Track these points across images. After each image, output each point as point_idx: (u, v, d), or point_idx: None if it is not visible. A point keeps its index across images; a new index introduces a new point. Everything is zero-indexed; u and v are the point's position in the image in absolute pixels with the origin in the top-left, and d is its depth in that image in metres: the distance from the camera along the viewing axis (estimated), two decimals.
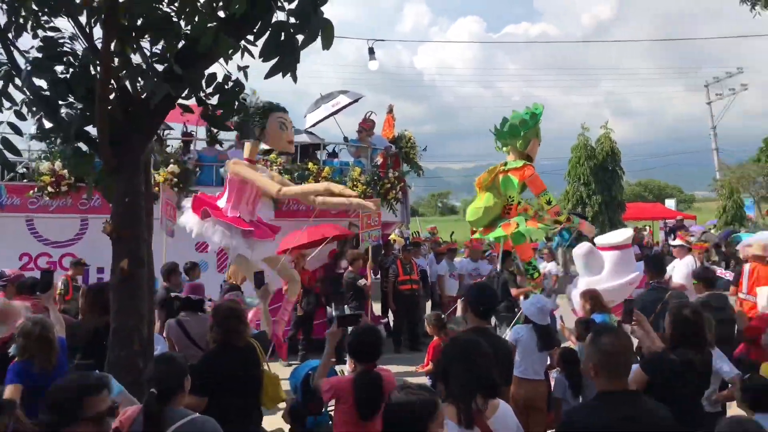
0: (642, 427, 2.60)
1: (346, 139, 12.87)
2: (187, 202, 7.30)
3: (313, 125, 13.27)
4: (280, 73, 3.24)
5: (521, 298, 8.19)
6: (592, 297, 6.01)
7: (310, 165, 11.03)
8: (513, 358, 4.41)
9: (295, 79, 3.30)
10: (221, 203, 6.93)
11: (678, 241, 10.00)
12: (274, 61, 3.25)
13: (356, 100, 13.49)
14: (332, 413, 4.15)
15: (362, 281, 9.88)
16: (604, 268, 7.66)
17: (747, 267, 7.74)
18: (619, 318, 4.30)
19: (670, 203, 35.01)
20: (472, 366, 2.78)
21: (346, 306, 9.74)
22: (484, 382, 2.77)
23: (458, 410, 2.69)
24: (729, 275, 9.12)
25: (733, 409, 4.23)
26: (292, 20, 3.21)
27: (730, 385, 4.34)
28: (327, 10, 3.20)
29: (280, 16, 3.29)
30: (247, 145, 7.10)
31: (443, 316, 6.39)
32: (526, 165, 7.81)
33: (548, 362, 5.66)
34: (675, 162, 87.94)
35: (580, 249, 7.87)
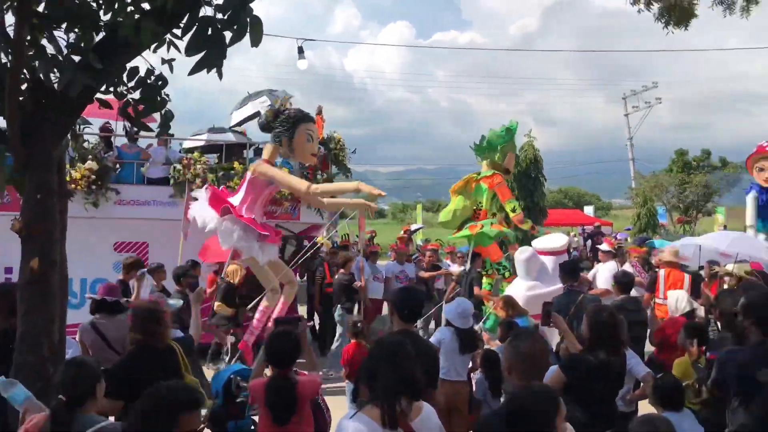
0: None
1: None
2: (199, 194, 7.03)
3: (239, 123, 13.04)
4: (205, 69, 3.16)
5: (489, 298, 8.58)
6: (508, 303, 6.23)
7: (236, 164, 10.83)
8: (438, 361, 4.46)
9: (220, 75, 3.23)
10: (234, 201, 6.70)
11: (605, 246, 10.39)
12: (199, 57, 3.17)
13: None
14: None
15: (357, 283, 9.89)
16: (545, 272, 7.96)
17: (662, 273, 8.15)
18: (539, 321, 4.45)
19: (589, 210, 36.38)
20: (397, 368, 2.78)
21: (339, 306, 9.82)
22: (408, 384, 2.77)
23: (382, 412, 2.68)
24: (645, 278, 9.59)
25: (646, 408, 4.42)
26: (220, 16, 3.15)
27: (642, 384, 4.53)
28: (256, 7, 3.15)
29: (208, 11, 3.22)
30: (269, 146, 6.95)
31: (360, 321, 6.37)
32: (495, 174, 8.48)
33: (470, 365, 5.77)
34: (594, 170, 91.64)
35: (523, 254, 8.04)
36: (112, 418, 3.55)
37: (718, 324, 5.56)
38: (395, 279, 10.93)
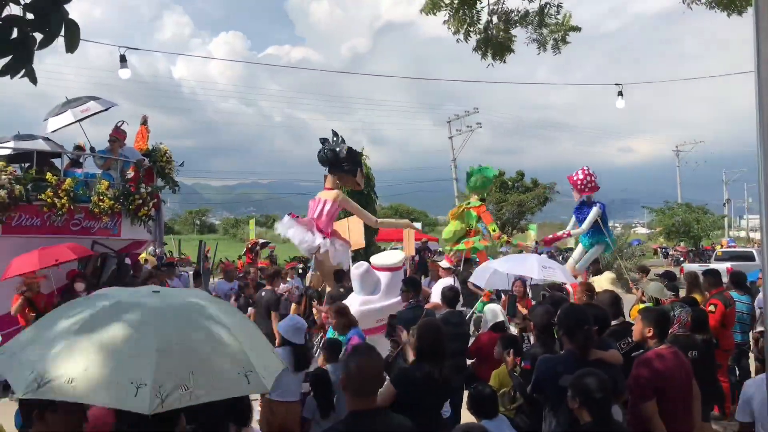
0: None
1: (93, 149, 11.79)
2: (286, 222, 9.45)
3: (55, 130, 11.95)
4: (10, 75, 2.85)
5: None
6: (339, 312, 6.29)
7: (48, 175, 9.91)
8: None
9: (34, 81, 2.93)
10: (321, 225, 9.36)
11: (445, 263, 10.97)
12: (5, 61, 2.86)
13: (107, 108, 12.46)
14: None
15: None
16: (379, 287, 8.24)
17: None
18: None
19: (417, 225, 37.95)
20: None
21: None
22: (235, 410, 2.71)
23: None
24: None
25: (467, 416, 4.68)
26: (30, 16, 2.87)
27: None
28: (75, 7, 2.91)
29: (14, 9, 2.92)
30: (332, 177, 9.72)
31: None
32: (482, 204, 13.94)
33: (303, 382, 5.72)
34: (422, 189, 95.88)
35: (358, 269, 8.21)
36: None
37: (531, 337, 6.05)
38: (224, 296, 10.61)
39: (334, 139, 9.77)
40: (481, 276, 9.03)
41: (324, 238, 9.17)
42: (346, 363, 2.83)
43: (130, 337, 2.41)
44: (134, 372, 2.29)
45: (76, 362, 2.33)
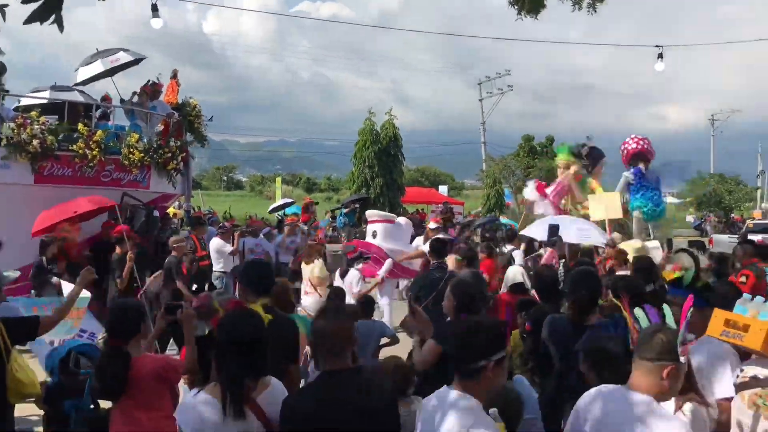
0: (354, 405, 2.60)
1: (122, 101, 11.89)
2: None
3: (86, 81, 12.07)
4: (39, 21, 2.85)
5: None
6: None
7: (80, 126, 10.04)
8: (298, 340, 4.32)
9: (61, 28, 2.94)
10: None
11: (432, 224, 11.26)
12: (35, 5, 2.86)
13: (138, 61, 12.53)
14: None
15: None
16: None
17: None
18: None
19: (443, 189, 37.87)
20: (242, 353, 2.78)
21: None
22: (252, 366, 2.79)
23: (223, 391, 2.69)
24: None
25: None
26: None
27: None
28: None
29: None
30: None
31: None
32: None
33: None
34: (449, 151, 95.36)
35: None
36: None
37: None
38: (249, 252, 10.68)
39: None
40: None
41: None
42: (314, 323, 2.79)
43: None
44: None
45: None
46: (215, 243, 10.52)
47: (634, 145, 13.05)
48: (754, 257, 7.83)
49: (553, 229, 8.51)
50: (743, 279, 7.24)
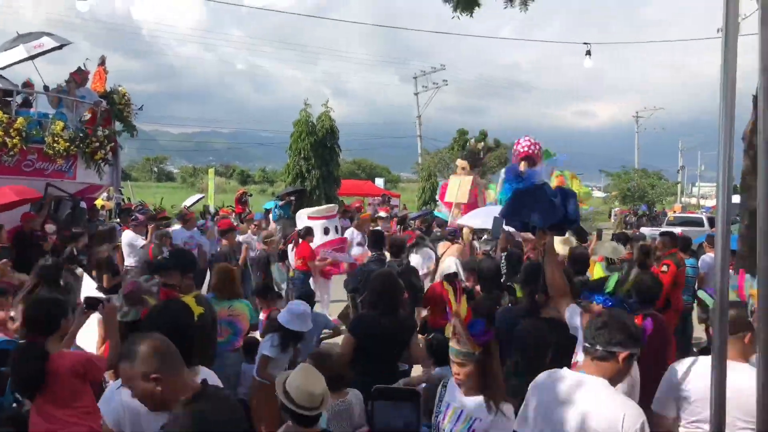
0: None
1: (46, 87, 11.38)
2: None
3: (6, 66, 11.48)
4: None
5: None
6: None
7: (0, 114, 9.56)
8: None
9: None
10: None
11: (383, 213, 11.27)
12: None
13: (62, 46, 12.00)
14: None
15: None
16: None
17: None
18: None
19: (380, 182, 38.07)
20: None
21: None
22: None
23: None
24: None
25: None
26: None
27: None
28: None
29: None
30: None
31: None
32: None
33: None
34: (385, 144, 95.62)
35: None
36: None
37: None
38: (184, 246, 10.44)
39: None
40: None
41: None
42: None
43: None
44: None
45: None
46: (127, 236, 9.42)
47: (525, 149, 13.60)
48: (674, 248, 8.27)
49: (498, 222, 8.71)
50: (665, 268, 7.63)
